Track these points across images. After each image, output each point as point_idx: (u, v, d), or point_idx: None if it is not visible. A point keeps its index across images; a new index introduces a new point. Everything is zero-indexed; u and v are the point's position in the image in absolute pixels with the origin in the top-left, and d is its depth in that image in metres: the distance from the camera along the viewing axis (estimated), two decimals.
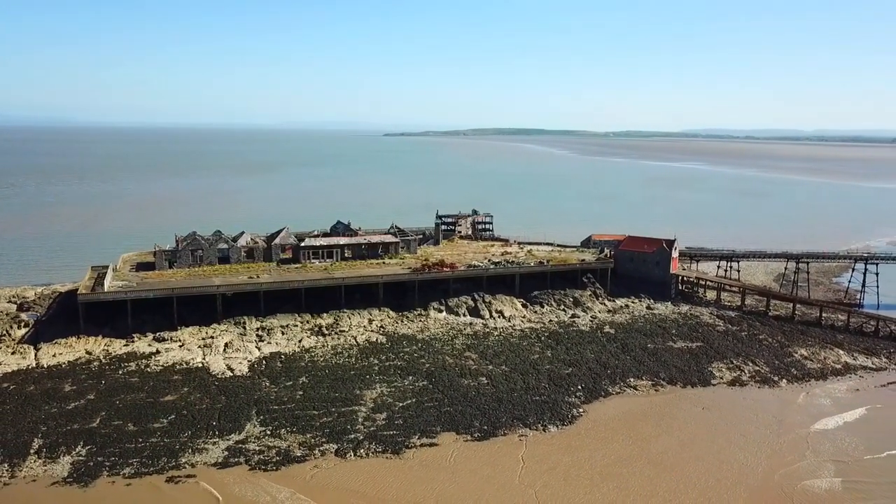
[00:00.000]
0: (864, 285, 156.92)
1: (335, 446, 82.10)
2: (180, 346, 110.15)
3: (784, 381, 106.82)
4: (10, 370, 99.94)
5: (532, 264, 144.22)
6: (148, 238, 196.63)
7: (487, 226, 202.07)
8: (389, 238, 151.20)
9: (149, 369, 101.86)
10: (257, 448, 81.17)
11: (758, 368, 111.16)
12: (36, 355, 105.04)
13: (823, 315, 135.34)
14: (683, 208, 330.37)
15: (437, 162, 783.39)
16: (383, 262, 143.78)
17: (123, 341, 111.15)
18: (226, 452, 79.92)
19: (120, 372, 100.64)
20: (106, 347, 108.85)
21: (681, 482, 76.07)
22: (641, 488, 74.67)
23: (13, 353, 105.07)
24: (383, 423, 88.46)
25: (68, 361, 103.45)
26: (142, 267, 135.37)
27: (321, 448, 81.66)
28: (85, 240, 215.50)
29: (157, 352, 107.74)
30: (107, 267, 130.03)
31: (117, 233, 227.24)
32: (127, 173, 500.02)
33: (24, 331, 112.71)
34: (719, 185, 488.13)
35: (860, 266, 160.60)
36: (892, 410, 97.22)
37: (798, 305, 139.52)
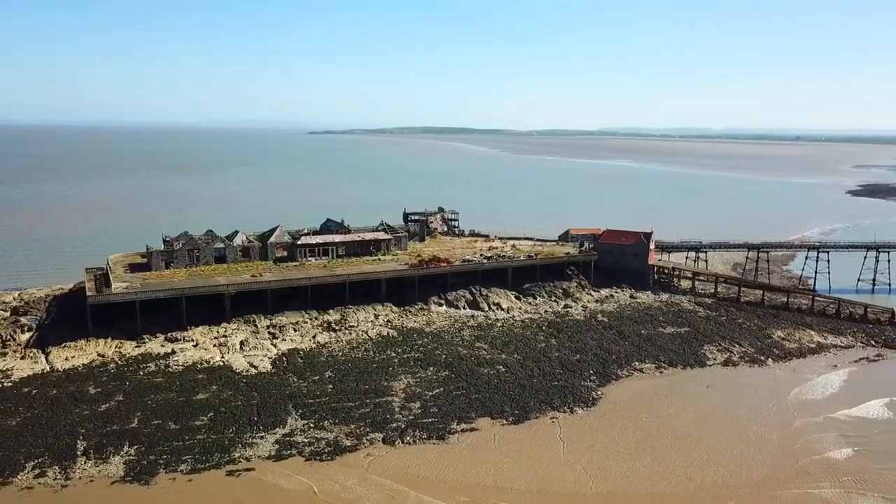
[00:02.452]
0: (816, 272, 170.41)
1: (381, 435, 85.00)
2: (195, 346, 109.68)
3: (770, 360, 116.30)
4: (24, 375, 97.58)
5: (522, 258, 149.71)
6: (105, 241, 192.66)
7: (455, 223, 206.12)
8: (382, 235, 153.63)
9: (170, 369, 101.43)
10: (306, 440, 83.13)
11: (744, 350, 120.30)
12: (47, 359, 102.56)
13: (789, 300, 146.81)
14: (631, 205, 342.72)
15: (375, 160, 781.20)
16: (378, 259, 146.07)
17: (134, 342, 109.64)
18: (276, 446, 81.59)
19: (141, 373, 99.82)
20: (118, 349, 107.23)
21: (709, 452, 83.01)
22: (677, 459, 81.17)
23: (23, 358, 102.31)
24: (419, 411, 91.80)
25: (83, 364, 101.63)
26: (135, 268, 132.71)
27: (368, 437, 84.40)
28: (43, 243, 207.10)
29: (173, 352, 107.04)
30: (102, 268, 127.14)
31: (75, 236, 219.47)
32: (49, 175, 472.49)
33: (27, 335, 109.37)
34: (655, 183, 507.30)
35: (812, 254, 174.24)
36: (870, 379, 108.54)
37: (766, 292, 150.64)
